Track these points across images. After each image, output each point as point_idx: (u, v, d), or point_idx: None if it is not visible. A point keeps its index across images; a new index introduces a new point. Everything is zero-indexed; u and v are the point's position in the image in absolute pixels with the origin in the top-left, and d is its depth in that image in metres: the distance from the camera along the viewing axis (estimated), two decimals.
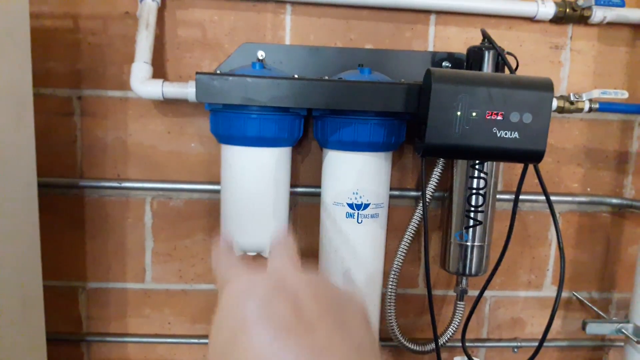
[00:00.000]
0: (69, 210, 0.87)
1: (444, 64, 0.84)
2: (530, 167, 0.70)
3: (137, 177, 0.87)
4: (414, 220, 0.85)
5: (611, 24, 0.87)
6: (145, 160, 0.87)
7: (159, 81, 0.78)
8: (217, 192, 0.84)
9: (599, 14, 0.84)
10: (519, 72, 0.81)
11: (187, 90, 0.77)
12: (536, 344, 0.77)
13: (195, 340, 0.93)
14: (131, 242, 0.90)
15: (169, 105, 0.85)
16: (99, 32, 0.83)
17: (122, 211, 0.89)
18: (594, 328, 0.86)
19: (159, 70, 0.84)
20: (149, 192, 0.88)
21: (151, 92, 0.78)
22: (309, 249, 0.91)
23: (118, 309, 0.92)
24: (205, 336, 0.93)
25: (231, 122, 0.73)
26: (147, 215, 0.89)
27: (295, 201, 0.90)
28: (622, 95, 0.78)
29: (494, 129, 0.63)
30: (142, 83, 0.78)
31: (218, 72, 0.76)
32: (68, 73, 0.83)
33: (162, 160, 0.87)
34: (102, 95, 0.85)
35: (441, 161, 0.83)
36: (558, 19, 0.84)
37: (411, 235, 0.86)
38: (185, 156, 0.87)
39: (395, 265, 0.86)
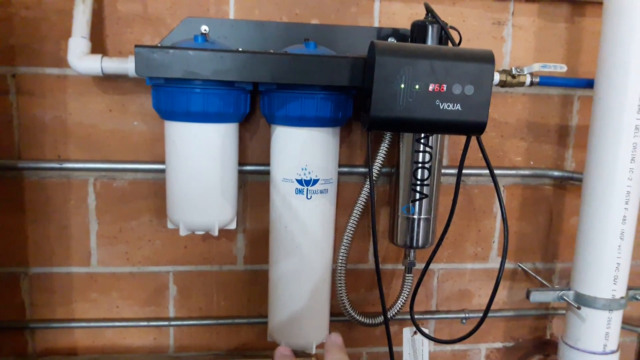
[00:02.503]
0: (8, 193, 0.84)
1: (389, 39, 0.84)
2: (475, 141, 0.71)
3: (78, 158, 0.84)
4: (362, 196, 0.86)
5: (550, 0, 0.89)
6: (87, 140, 0.84)
7: (98, 56, 0.75)
8: (163, 171, 0.82)
9: None
10: (462, 47, 0.82)
11: (128, 66, 0.75)
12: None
13: (145, 323, 0.92)
14: (75, 225, 0.87)
15: (110, 82, 0.82)
16: (33, 5, 0.79)
17: (64, 193, 0.86)
18: (537, 296, 0.89)
19: (99, 46, 0.81)
20: (91, 173, 0.85)
21: (89, 67, 0.75)
22: (260, 227, 0.90)
23: (63, 294, 0.90)
24: (155, 319, 0.92)
25: (174, 97, 0.71)
26: (90, 196, 0.86)
27: (245, 179, 0.89)
28: (561, 68, 0.80)
29: (437, 101, 0.64)
30: (80, 59, 0.75)
31: (159, 45, 0.74)
32: (0, 49, 0.79)
33: (104, 140, 0.84)
34: (38, 72, 0.81)
35: (388, 136, 0.84)
36: None
37: (360, 210, 0.86)
38: (129, 135, 0.85)
39: (344, 241, 0.86)
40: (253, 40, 0.82)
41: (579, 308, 0.85)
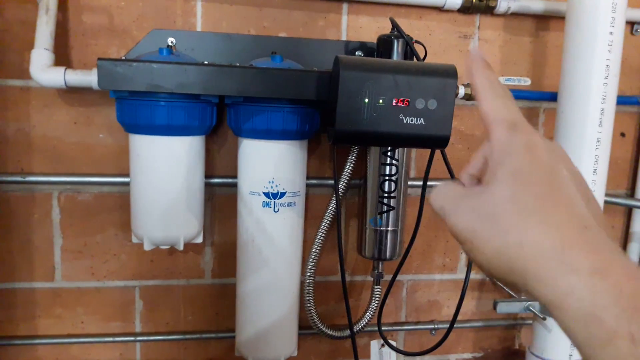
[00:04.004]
0: None
1: (357, 53, 0.85)
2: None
3: (42, 171, 0.83)
4: (330, 208, 0.86)
5: (515, 15, 0.91)
6: (51, 153, 0.83)
7: (61, 69, 0.74)
8: (128, 184, 0.81)
9: (503, 4, 0.87)
10: (428, 61, 0.83)
11: (91, 78, 0.74)
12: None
13: (111, 339, 0.90)
14: (38, 239, 0.85)
15: (74, 94, 0.81)
16: None
17: (28, 207, 0.84)
18: (504, 307, 0.90)
19: (63, 58, 0.80)
20: (55, 186, 0.84)
21: (53, 80, 0.74)
22: (228, 240, 0.90)
23: (26, 310, 0.88)
24: (121, 334, 0.90)
25: (138, 110, 0.71)
26: (54, 210, 0.85)
27: (212, 192, 0.88)
28: (525, 82, 0.82)
29: (401, 116, 0.64)
30: (43, 71, 0.74)
31: (124, 58, 0.73)
32: None
33: (69, 153, 0.83)
34: (1, 84, 0.80)
35: (355, 149, 0.84)
36: (465, 9, 0.87)
37: (328, 222, 0.86)
38: (94, 147, 0.83)
39: (313, 253, 0.86)
40: (220, 53, 0.82)
41: (544, 319, 0.86)
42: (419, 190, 0.93)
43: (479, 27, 0.91)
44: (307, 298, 0.87)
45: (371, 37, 0.86)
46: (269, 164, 0.77)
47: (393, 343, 0.90)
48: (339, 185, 0.85)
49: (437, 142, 0.66)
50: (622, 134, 1.00)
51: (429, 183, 0.75)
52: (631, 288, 0.27)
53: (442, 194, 0.35)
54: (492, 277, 0.32)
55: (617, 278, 0.28)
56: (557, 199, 0.31)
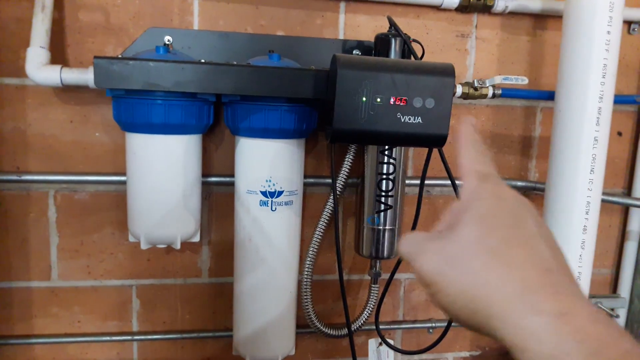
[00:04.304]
0: None
1: (354, 52, 0.85)
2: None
3: (38, 170, 0.83)
4: (328, 207, 0.86)
5: (513, 14, 0.91)
6: (47, 151, 0.82)
7: (57, 67, 0.74)
8: (125, 183, 0.80)
9: (501, 3, 0.87)
10: (425, 60, 0.82)
11: (88, 77, 0.74)
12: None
13: (107, 338, 0.90)
14: (34, 239, 0.85)
15: (70, 92, 0.81)
16: None
17: (24, 206, 0.84)
18: None
19: (59, 56, 0.79)
20: (51, 185, 0.84)
21: (48, 78, 0.74)
22: (226, 239, 0.89)
23: (23, 310, 0.87)
24: (118, 333, 0.90)
25: (134, 109, 0.70)
26: (50, 209, 0.84)
27: (210, 190, 0.88)
28: (522, 81, 0.81)
29: (398, 114, 0.64)
30: (39, 69, 0.73)
31: (120, 56, 0.73)
32: None
33: (65, 151, 0.83)
34: None
35: (353, 148, 0.84)
36: (463, 8, 0.87)
37: (326, 221, 0.86)
38: (90, 146, 0.83)
39: (310, 252, 0.86)
40: (217, 51, 0.81)
41: None
42: (417, 189, 0.93)
43: (476, 26, 0.91)
44: (305, 297, 0.87)
45: (369, 36, 0.86)
46: (266, 162, 0.77)
47: (391, 342, 0.90)
48: (337, 184, 0.85)
49: (434, 140, 0.66)
50: (619, 133, 1.00)
51: (426, 182, 0.75)
52: (595, 332, 0.27)
53: (409, 239, 0.36)
54: (456, 320, 0.32)
55: (580, 322, 0.28)
56: (521, 242, 0.31)
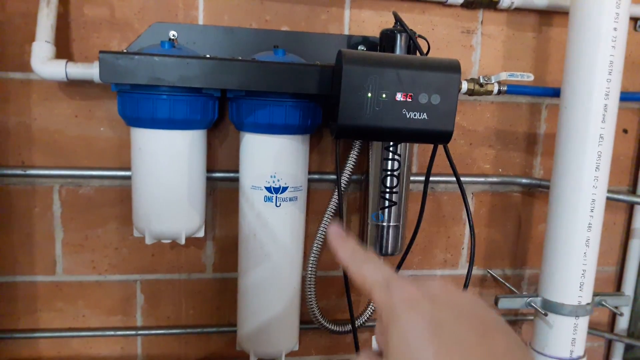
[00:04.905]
0: None
1: (359, 47, 0.84)
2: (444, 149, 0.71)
3: (43, 164, 0.83)
4: (332, 203, 0.85)
5: (519, 10, 0.90)
6: (52, 146, 0.83)
7: (62, 61, 0.74)
8: (129, 178, 0.81)
9: None
10: (431, 56, 0.82)
11: (93, 71, 0.74)
12: None
13: (112, 333, 0.90)
14: (39, 233, 0.85)
15: (75, 87, 0.81)
16: None
17: (28, 200, 0.84)
18: (505, 303, 0.90)
19: (64, 51, 0.79)
20: (56, 180, 0.84)
21: (54, 72, 0.74)
22: (230, 234, 0.90)
23: (27, 304, 0.88)
24: (122, 328, 0.90)
25: (139, 104, 0.70)
26: (55, 204, 0.84)
27: (214, 186, 0.88)
28: (528, 77, 0.81)
29: (404, 110, 0.64)
30: (44, 63, 0.73)
31: (125, 51, 0.73)
32: None
33: (70, 146, 0.83)
34: (2, 77, 0.79)
35: (357, 144, 0.84)
36: (469, 4, 0.87)
37: (330, 217, 0.86)
38: (95, 141, 0.83)
39: (314, 248, 0.86)
40: (222, 46, 0.81)
41: (545, 314, 0.85)
42: (421, 186, 0.93)
43: (482, 22, 0.91)
44: (309, 293, 0.87)
45: (374, 32, 0.86)
46: (271, 158, 0.77)
47: None
48: (341, 180, 0.85)
49: (439, 137, 0.66)
50: (625, 131, 1.00)
51: (431, 178, 0.75)
52: None
53: None
54: None
55: None
56: (447, 356, 0.29)
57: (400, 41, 0.76)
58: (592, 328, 0.92)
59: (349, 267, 0.36)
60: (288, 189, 0.78)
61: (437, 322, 0.30)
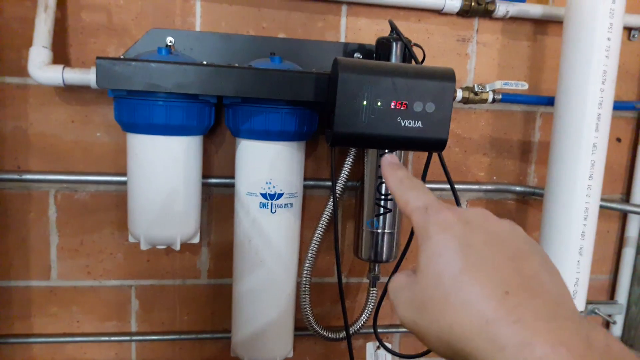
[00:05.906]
0: None
1: (355, 55, 0.85)
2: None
3: (39, 169, 0.83)
4: (327, 210, 0.86)
5: (514, 19, 0.91)
6: (48, 151, 0.83)
7: (59, 67, 0.74)
8: (125, 183, 0.81)
9: (502, 8, 0.87)
10: (426, 64, 0.83)
11: (90, 77, 0.74)
12: None
13: (106, 338, 0.90)
14: (34, 238, 0.85)
15: (72, 92, 0.81)
16: None
17: (24, 205, 0.84)
18: None
19: (62, 56, 0.80)
20: (52, 185, 0.84)
21: (51, 78, 0.74)
22: (225, 240, 0.90)
23: (22, 309, 0.87)
24: (117, 333, 0.90)
25: (136, 110, 0.70)
26: (51, 208, 0.84)
27: (210, 192, 0.88)
28: (523, 86, 0.82)
29: (399, 119, 0.64)
30: (41, 69, 0.74)
31: (122, 57, 0.73)
32: None
33: (66, 151, 0.83)
34: None
35: (353, 151, 0.84)
36: (464, 12, 0.87)
37: (325, 224, 0.86)
38: (91, 146, 0.83)
39: (309, 255, 0.86)
40: (219, 53, 0.82)
41: None
42: None
43: (477, 31, 0.91)
44: (303, 299, 0.87)
45: (370, 39, 0.87)
46: (267, 164, 0.77)
47: (389, 345, 0.90)
48: (336, 187, 0.85)
49: (434, 145, 0.67)
50: (618, 139, 1.01)
51: (428, 185, 0.75)
52: (559, 358, 0.26)
53: (392, 285, 0.36)
54: None
55: (543, 350, 0.26)
56: (473, 273, 0.30)
57: (396, 49, 0.77)
58: None
59: (395, 193, 0.38)
60: (283, 196, 0.78)
61: (467, 243, 0.31)
